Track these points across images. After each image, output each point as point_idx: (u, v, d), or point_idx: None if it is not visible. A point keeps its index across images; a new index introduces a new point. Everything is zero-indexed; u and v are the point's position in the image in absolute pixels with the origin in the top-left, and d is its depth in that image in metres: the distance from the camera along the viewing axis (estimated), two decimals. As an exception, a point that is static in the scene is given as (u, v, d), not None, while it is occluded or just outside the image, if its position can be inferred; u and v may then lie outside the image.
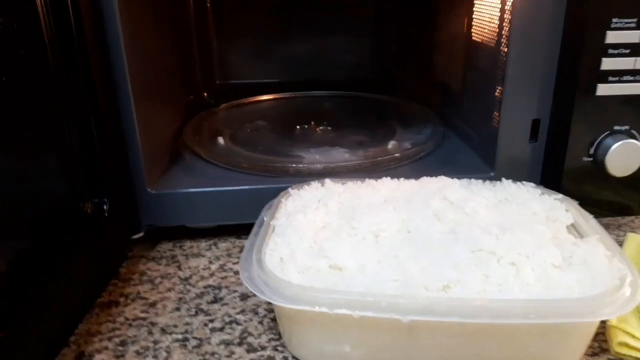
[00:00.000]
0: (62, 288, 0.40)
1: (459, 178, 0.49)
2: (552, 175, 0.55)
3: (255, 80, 0.90)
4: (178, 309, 0.46)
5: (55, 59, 0.42)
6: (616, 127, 0.51)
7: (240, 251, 0.54)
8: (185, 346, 0.41)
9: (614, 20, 0.48)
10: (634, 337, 0.39)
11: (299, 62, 0.90)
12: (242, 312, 0.45)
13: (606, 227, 0.60)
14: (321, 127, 0.71)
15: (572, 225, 0.43)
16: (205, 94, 0.86)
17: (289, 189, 0.47)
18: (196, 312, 0.45)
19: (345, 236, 0.39)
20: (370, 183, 0.48)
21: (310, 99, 0.85)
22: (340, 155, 0.60)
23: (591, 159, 0.53)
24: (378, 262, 0.36)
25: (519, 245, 0.36)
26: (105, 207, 0.46)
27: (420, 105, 0.78)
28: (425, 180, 0.48)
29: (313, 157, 0.59)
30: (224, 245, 0.56)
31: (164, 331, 0.43)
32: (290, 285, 0.34)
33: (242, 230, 0.57)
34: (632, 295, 0.33)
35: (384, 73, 0.94)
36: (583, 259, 0.36)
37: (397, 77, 0.93)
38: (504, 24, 0.53)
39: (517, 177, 0.54)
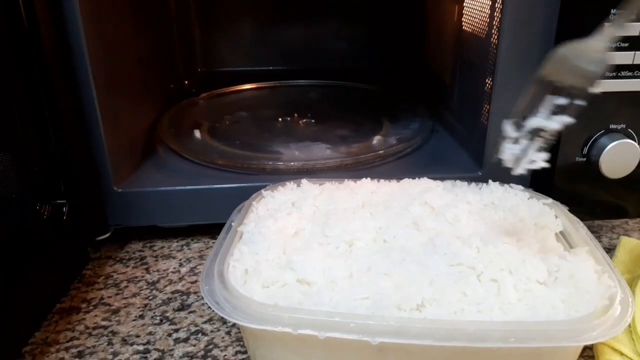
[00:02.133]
0: (16, 294, 0.38)
1: (444, 177, 0.46)
2: (543, 175, 0.52)
3: (239, 68, 0.86)
4: (142, 316, 0.43)
5: (3, 44, 0.38)
6: (612, 126, 0.48)
7: (214, 253, 0.52)
8: (145, 359, 0.39)
9: (613, 11, 0.44)
10: (622, 354, 0.37)
11: (287, 50, 0.87)
12: (210, 321, 0.42)
13: (599, 228, 0.58)
14: (304, 120, 0.67)
15: (561, 232, 0.40)
16: (187, 82, 0.82)
17: (262, 191, 0.45)
18: (161, 320, 0.43)
19: (316, 246, 0.36)
20: (348, 185, 0.45)
21: (296, 89, 0.82)
22: (321, 152, 0.57)
23: (585, 159, 0.50)
24: (349, 277, 0.33)
25: (501, 260, 0.33)
26: (64, 209, 0.43)
27: (410, 97, 0.75)
28: (406, 182, 0.45)
29: (292, 154, 0.56)
30: (196, 245, 0.53)
31: (124, 342, 0.40)
32: (252, 302, 0.31)
33: (217, 229, 0.54)
34: (622, 315, 0.31)
35: (376, 62, 0.90)
36: (570, 274, 0.34)
37: (389, 67, 0.89)
38: (496, 13, 0.49)
39: (506, 176, 0.51)
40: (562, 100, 0.32)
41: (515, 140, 0.34)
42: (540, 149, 0.33)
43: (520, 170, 0.34)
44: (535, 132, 0.33)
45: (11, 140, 0.40)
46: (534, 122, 0.33)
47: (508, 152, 0.34)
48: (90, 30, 0.44)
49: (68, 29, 0.43)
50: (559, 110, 0.32)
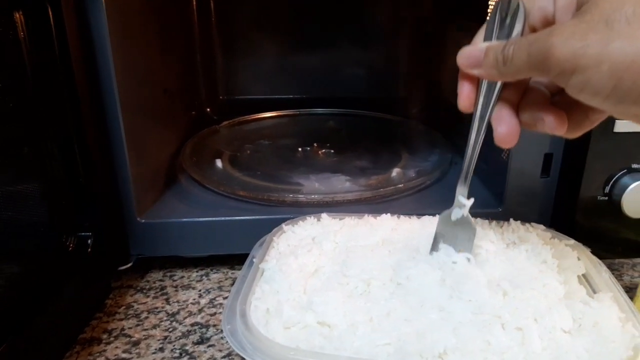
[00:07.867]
0: (40, 325, 0.38)
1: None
2: (564, 213, 0.52)
3: (260, 96, 0.87)
4: (162, 349, 0.43)
5: (35, 77, 0.39)
6: (634, 166, 0.48)
7: (232, 284, 0.52)
8: (165, 394, 0.39)
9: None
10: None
11: (306, 78, 0.87)
12: (229, 355, 0.43)
13: (620, 266, 0.57)
14: (323, 150, 0.68)
15: (584, 275, 0.40)
16: (209, 110, 0.84)
17: (283, 225, 0.45)
18: (180, 354, 0.43)
19: (336, 286, 0.37)
20: (368, 220, 0.45)
21: (315, 117, 0.82)
22: (341, 184, 0.57)
23: (606, 197, 0.49)
24: (369, 321, 0.33)
25: (527, 307, 0.33)
26: (89, 241, 0.43)
27: (429, 128, 0.75)
28: (427, 220, 0.45)
29: (312, 186, 0.56)
30: (215, 276, 0.54)
31: (145, 376, 0.41)
32: (275, 345, 0.31)
33: (236, 259, 0.55)
34: (648, 367, 0.30)
35: (395, 91, 0.91)
36: (594, 322, 0.33)
37: (408, 96, 0.90)
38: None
39: (526, 213, 0.51)
40: None
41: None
42: None
43: None
44: None
45: (41, 174, 0.41)
46: None
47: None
48: (119, 61, 0.45)
49: (98, 61, 0.44)
50: None
